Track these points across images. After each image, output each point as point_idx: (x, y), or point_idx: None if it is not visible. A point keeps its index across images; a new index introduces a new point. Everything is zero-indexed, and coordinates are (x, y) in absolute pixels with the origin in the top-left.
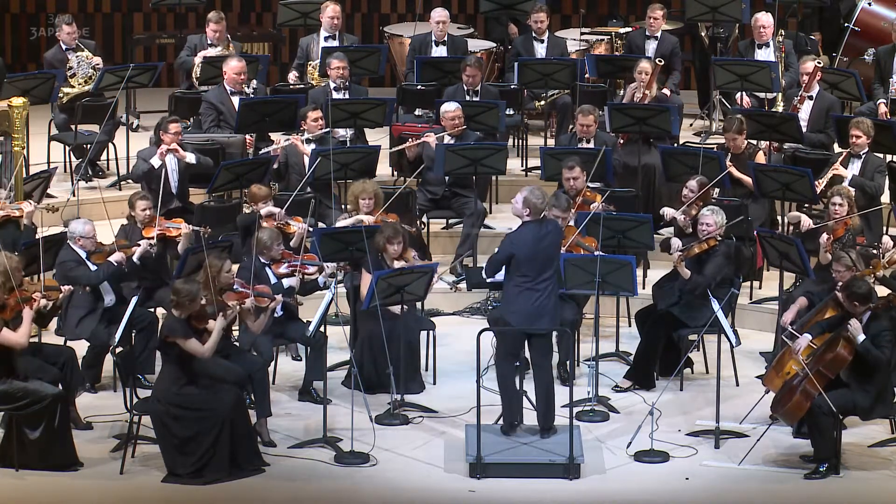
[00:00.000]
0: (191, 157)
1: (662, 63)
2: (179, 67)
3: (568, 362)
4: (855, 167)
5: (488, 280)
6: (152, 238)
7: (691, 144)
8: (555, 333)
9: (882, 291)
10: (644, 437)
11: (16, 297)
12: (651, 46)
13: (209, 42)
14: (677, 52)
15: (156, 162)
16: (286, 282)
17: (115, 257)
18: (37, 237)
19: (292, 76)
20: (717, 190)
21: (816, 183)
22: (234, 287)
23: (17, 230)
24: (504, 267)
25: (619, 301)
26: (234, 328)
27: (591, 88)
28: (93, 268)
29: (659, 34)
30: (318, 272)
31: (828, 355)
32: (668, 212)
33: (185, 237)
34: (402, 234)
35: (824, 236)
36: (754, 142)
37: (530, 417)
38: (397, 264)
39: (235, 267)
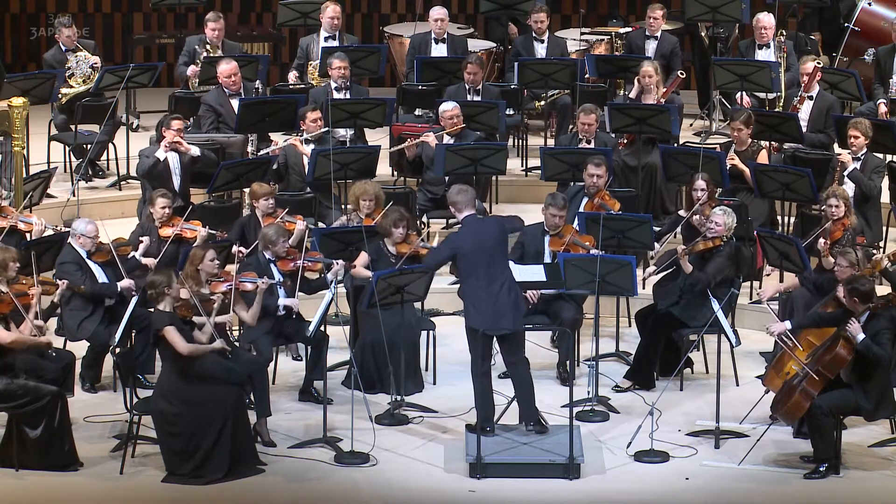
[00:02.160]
0: (195, 150)
1: (684, 76)
2: (179, 76)
3: (568, 362)
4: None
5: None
6: (168, 237)
7: (691, 144)
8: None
9: (882, 291)
10: (644, 437)
11: (10, 293)
12: (651, 46)
13: (208, 42)
14: (677, 53)
15: (160, 154)
16: (283, 302)
17: (124, 284)
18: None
19: (292, 76)
20: (718, 190)
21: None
22: (219, 277)
23: (22, 240)
24: (458, 269)
25: (619, 301)
26: (234, 328)
27: (591, 88)
28: (97, 270)
29: (659, 34)
30: (326, 269)
31: (827, 355)
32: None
33: (201, 239)
34: (407, 219)
35: (821, 241)
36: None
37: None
38: (400, 249)
39: (232, 268)
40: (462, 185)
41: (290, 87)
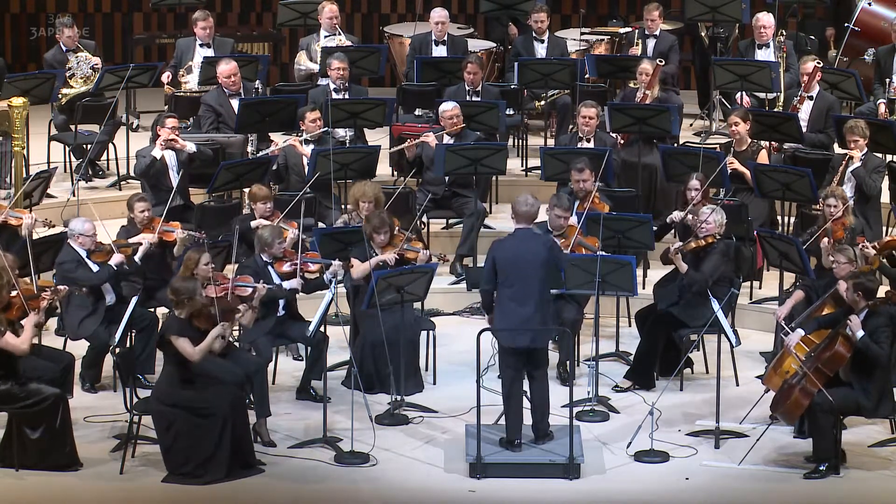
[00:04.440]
0: (191, 146)
1: (664, 63)
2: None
3: (568, 362)
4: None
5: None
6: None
7: (691, 144)
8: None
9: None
10: (644, 437)
11: (21, 296)
12: (650, 45)
13: (201, 42)
14: (675, 49)
15: (157, 153)
16: (288, 284)
17: (116, 259)
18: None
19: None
20: (722, 191)
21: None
22: (215, 280)
23: (15, 237)
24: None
25: (619, 301)
26: (234, 328)
27: (591, 88)
28: (94, 268)
29: (657, 32)
30: (323, 269)
31: (826, 353)
32: (676, 216)
33: (181, 242)
34: (387, 224)
35: (824, 240)
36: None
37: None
38: (387, 253)
39: (233, 267)
40: (531, 199)
41: (298, 69)
